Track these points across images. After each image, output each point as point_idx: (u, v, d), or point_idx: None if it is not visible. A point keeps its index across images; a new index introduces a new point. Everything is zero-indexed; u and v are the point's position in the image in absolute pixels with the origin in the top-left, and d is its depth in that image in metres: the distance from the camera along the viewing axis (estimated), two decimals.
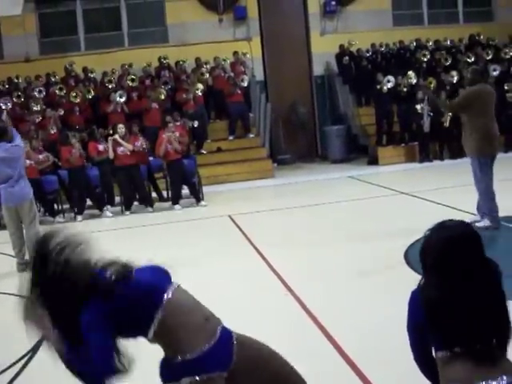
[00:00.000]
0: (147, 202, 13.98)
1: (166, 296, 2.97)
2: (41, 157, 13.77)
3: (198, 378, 2.88)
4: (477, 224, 9.18)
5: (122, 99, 16.90)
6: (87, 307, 2.87)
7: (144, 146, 14.14)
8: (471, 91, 9.33)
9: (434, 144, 17.99)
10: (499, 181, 9.65)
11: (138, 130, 14.61)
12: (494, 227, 9.23)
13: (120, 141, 13.79)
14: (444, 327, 2.89)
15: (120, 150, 13.80)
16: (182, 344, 2.92)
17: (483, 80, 9.84)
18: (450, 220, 3.06)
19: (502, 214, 9.31)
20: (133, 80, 18.20)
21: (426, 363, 3.07)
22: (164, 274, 3.13)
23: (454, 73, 18.64)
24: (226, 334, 3.09)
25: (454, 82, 18.37)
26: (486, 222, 9.25)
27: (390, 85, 18.25)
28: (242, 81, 18.48)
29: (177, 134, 13.95)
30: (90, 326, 2.84)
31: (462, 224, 3.02)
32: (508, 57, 20.16)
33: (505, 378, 2.78)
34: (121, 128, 14.04)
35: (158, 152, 13.99)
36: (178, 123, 14.80)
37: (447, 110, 10.35)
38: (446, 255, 2.92)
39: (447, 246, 2.94)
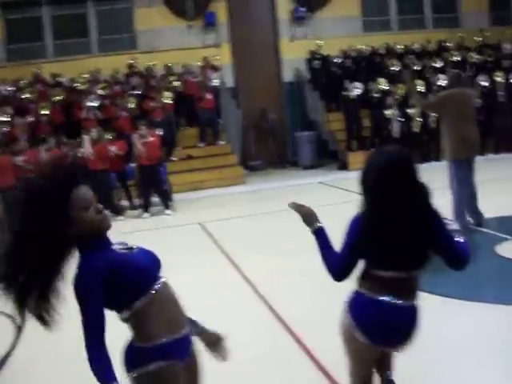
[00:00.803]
0: (113, 211, 13.85)
1: (154, 287, 3.00)
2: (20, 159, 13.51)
3: (162, 364, 2.94)
4: None
5: (95, 104, 16.81)
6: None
7: (117, 152, 14.12)
8: (446, 94, 9.35)
9: None
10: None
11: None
12: (464, 231, 9.25)
13: (86, 143, 13.69)
14: (379, 250, 3.33)
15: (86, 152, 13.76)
16: (152, 332, 2.96)
17: (461, 85, 9.87)
18: (389, 146, 3.47)
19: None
20: (104, 88, 18.12)
21: (342, 277, 3.53)
22: (158, 264, 3.17)
23: (420, 82, 18.82)
24: (190, 335, 3.16)
25: (422, 90, 18.59)
26: (455, 226, 9.25)
27: (357, 91, 18.36)
28: (211, 80, 18.43)
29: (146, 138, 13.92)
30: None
31: (398, 150, 3.39)
32: (474, 60, 20.41)
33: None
34: (93, 132, 13.96)
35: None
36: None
37: (421, 108, 10.25)
38: (383, 177, 3.28)
39: (384, 169, 3.28)
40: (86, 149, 13.66)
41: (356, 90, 18.49)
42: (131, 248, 3.08)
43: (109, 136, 14.71)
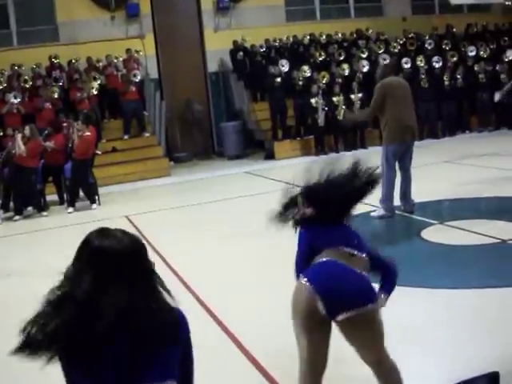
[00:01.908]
0: (37, 207, 13.59)
1: None
2: None
3: None
4: (371, 214, 9.38)
5: (17, 100, 16.52)
6: None
7: (53, 147, 13.90)
8: (381, 86, 9.44)
9: (329, 137, 18.28)
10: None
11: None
12: (388, 216, 9.43)
13: (18, 140, 13.40)
14: None
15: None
16: None
17: (394, 74, 10.04)
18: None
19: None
20: (25, 81, 17.80)
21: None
22: None
23: (346, 66, 19.13)
24: None
25: (346, 74, 18.86)
26: (380, 212, 9.44)
27: (284, 69, 18.61)
28: (135, 76, 18.25)
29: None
30: None
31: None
32: (396, 50, 20.80)
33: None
34: (26, 130, 13.67)
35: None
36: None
37: (370, 118, 10.33)
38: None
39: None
40: (19, 147, 13.35)
41: (282, 67, 18.75)
42: None
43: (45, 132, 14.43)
